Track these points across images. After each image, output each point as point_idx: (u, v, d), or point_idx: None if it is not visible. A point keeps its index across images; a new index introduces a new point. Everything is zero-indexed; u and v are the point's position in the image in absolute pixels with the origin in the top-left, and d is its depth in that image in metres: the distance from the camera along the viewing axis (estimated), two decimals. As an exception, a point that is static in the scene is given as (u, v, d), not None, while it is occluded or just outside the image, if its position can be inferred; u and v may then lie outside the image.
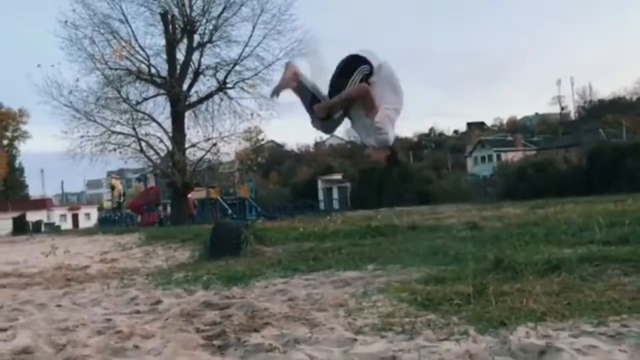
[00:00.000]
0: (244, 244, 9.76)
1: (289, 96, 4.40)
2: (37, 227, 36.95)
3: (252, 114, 28.07)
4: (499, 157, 61.12)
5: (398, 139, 5.96)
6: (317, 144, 72.12)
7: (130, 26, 27.64)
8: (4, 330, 4.71)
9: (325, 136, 60.00)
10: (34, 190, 69.64)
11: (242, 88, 28.56)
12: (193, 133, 28.80)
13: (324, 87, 4.41)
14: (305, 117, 4.42)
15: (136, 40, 27.77)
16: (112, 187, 35.15)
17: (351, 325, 4.14)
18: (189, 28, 28.16)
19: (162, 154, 28.45)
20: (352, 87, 4.22)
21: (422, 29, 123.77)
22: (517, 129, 75.96)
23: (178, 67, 28.44)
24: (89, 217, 60.71)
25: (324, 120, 4.39)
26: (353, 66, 4.41)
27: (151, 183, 34.39)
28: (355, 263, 7.00)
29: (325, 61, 4.74)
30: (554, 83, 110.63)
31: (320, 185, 47.39)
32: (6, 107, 55.48)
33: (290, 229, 12.58)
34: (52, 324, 4.86)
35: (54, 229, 38.76)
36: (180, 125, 28.16)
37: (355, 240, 9.97)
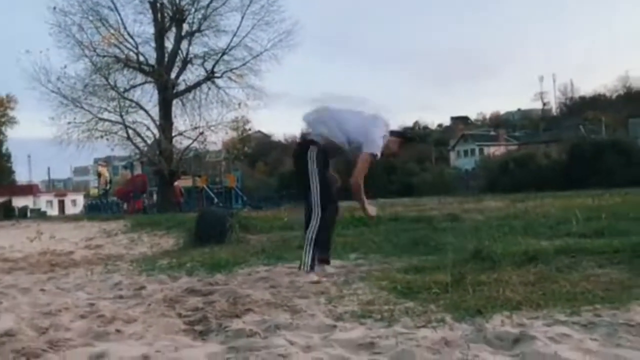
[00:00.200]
0: (229, 232, 9.81)
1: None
2: (23, 212, 36.84)
3: (239, 104, 28.18)
4: (481, 151, 61.67)
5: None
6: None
7: (119, 14, 27.62)
8: (-13, 313, 4.73)
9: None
10: (21, 176, 69.34)
11: (230, 78, 28.69)
12: (180, 121, 28.88)
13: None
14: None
15: (125, 28, 27.76)
16: (99, 174, 34.94)
17: (332, 312, 4.19)
18: (178, 17, 28.09)
19: (149, 142, 28.43)
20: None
21: (410, 25, 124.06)
22: (499, 124, 76.72)
23: (166, 55, 28.39)
24: (75, 203, 60.49)
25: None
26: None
27: (138, 171, 34.27)
28: (337, 252, 7.05)
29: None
30: (536, 79, 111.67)
31: (306, 176, 47.16)
32: (-6, 93, 55.07)
33: (275, 219, 12.62)
34: (36, 308, 4.89)
35: (40, 215, 38.61)
36: (168, 113, 28.14)
37: (338, 230, 9.98)
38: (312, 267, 5.57)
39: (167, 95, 27.74)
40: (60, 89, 26.94)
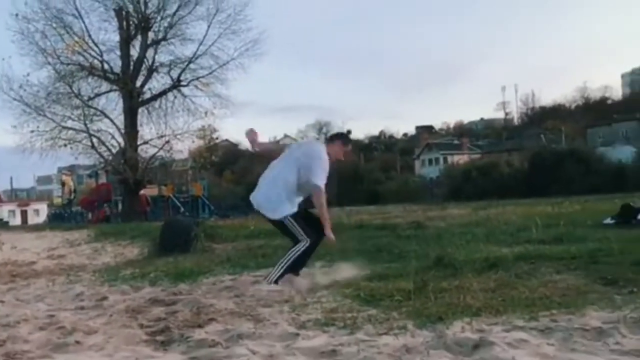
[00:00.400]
0: (194, 241, 9.74)
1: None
2: (-16, 223, 35.96)
3: (206, 112, 27.97)
4: (445, 159, 62.35)
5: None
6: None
7: (83, 21, 27.20)
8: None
9: (279, 137, 61.06)
10: (-18, 186, 67.72)
11: (196, 86, 28.48)
12: (146, 130, 28.56)
13: None
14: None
15: (89, 35, 27.34)
16: (63, 184, 34.48)
17: (295, 321, 4.21)
18: (144, 25, 27.82)
19: (114, 151, 28.03)
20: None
21: (376, 34, 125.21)
22: (463, 133, 77.51)
23: (132, 63, 28.05)
24: (39, 213, 59.27)
25: None
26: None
27: (103, 179, 33.82)
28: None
29: None
30: (499, 89, 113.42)
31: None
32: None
33: (242, 227, 12.58)
34: (-7, 320, 4.80)
35: (1, 225, 37.81)
36: (133, 121, 27.83)
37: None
38: (276, 282, 5.55)
39: (133, 103, 27.44)
40: (23, 97, 26.44)
